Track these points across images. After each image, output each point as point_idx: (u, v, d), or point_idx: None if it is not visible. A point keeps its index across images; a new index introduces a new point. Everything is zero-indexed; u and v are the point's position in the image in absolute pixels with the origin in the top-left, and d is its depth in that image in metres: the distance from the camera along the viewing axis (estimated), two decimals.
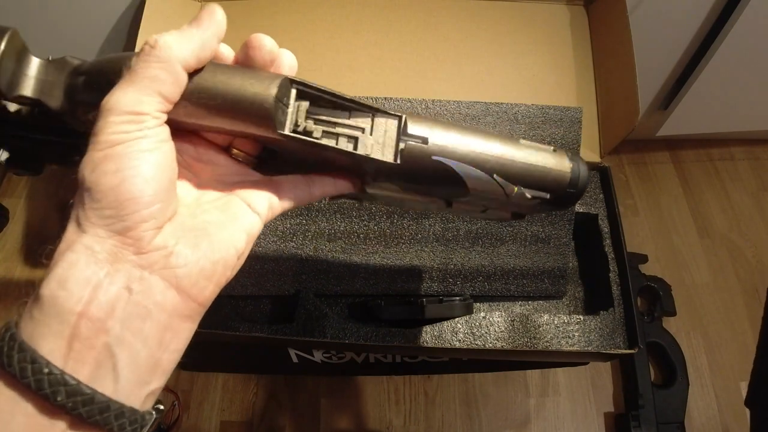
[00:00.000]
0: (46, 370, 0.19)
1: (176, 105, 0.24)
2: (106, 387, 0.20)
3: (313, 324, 0.53)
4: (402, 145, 0.26)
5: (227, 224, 0.25)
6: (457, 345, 0.54)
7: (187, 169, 0.27)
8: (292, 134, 0.25)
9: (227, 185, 0.27)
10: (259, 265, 0.55)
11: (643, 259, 0.99)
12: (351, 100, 0.26)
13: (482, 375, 0.90)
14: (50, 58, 0.27)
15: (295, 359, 0.74)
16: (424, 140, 0.27)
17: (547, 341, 0.55)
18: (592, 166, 0.64)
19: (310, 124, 0.26)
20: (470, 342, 0.54)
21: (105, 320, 0.20)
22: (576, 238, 0.62)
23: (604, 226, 0.61)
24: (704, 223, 1.05)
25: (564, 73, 0.66)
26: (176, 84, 0.23)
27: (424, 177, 0.28)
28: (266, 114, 0.24)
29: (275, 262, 0.55)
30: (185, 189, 0.26)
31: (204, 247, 0.23)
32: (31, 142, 0.31)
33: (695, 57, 0.85)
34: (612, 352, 0.54)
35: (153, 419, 0.22)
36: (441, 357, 0.76)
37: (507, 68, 0.65)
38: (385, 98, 0.57)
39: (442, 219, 0.57)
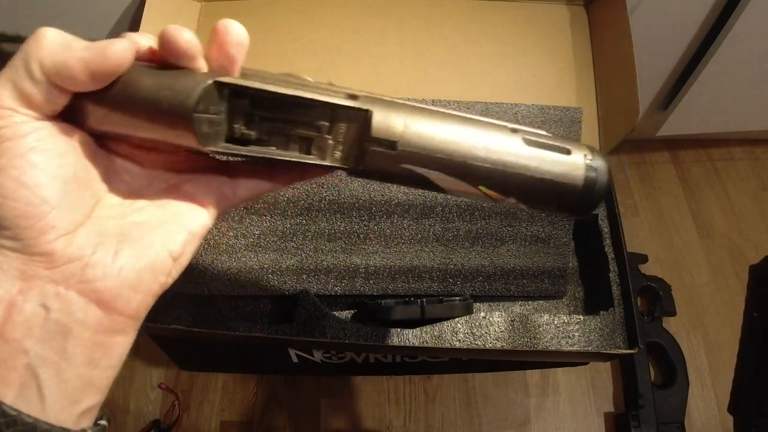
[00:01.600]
0: None
1: (86, 112, 0.21)
2: (33, 408, 0.19)
3: (313, 324, 0.53)
4: (364, 149, 0.22)
5: (163, 224, 0.23)
6: (457, 345, 0.54)
7: (129, 161, 0.24)
8: (222, 150, 0.21)
9: (175, 173, 0.25)
10: (259, 265, 0.55)
11: (643, 259, 0.99)
12: (301, 98, 0.22)
13: (482, 375, 0.90)
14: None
15: (295, 359, 0.74)
16: (392, 145, 0.22)
17: (547, 341, 0.55)
18: None
19: (248, 132, 0.22)
20: (470, 342, 0.54)
21: (22, 340, 0.19)
22: (576, 238, 0.62)
23: (604, 226, 0.61)
24: (704, 223, 1.05)
25: (564, 73, 0.66)
26: (34, 84, 0.20)
27: (396, 179, 0.23)
28: (187, 130, 0.20)
29: (275, 262, 0.55)
30: (121, 187, 0.24)
31: (126, 254, 0.21)
32: None
33: (695, 57, 0.85)
34: (612, 352, 0.54)
35: None
36: (441, 357, 0.76)
37: (507, 68, 0.65)
38: None
39: (442, 219, 0.57)
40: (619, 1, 0.61)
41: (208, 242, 0.54)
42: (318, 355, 0.72)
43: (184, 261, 0.23)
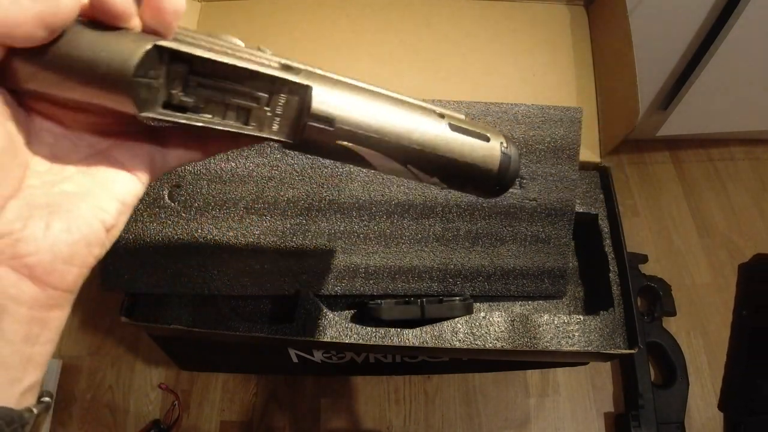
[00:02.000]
0: None
1: (14, 69, 0.20)
2: None
3: (313, 324, 0.53)
4: (302, 125, 0.22)
5: (92, 193, 0.22)
6: (457, 345, 0.54)
7: (51, 121, 0.23)
8: (158, 116, 0.21)
9: (102, 137, 0.23)
10: (259, 265, 0.55)
11: (643, 259, 0.99)
12: (243, 68, 0.21)
13: (482, 375, 0.90)
14: None
15: (295, 359, 0.74)
16: (330, 121, 0.23)
17: (547, 341, 0.55)
18: (592, 166, 0.64)
19: (185, 98, 0.21)
20: (470, 342, 0.54)
21: None
22: (576, 238, 0.62)
23: (604, 226, 0.61)
24: (704, 223, 1.05)
25: (564, 73, 0.66)
26: None
27: (330, 154, 0.24)
28: (125, 94, 0.19)
29: (275, 262, 0.55)
30: (43, 151, 0.22)
31: (57, 227, 0.20)
32: None
33: (695, 57, 0.85)
34: (612, 352, 0.54)
35: (34, 416, 0.20)
36: (441, 357, 0.76)
37: (507, 68, 0.65)
38: None
39: (442, 219, 0.57)
40: (619, 1, 0.61)
41: (209, 242, 0.54)
42: (318, 355, 0.72)
43: (116, 231, 0.23)
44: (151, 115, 0.21)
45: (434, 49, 0.66)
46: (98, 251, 0.22)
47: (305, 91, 0.22)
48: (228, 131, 0.22)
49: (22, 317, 0.19)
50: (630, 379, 0.89)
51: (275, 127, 0.22)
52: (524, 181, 0.58)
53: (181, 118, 0.21)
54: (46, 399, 0.21)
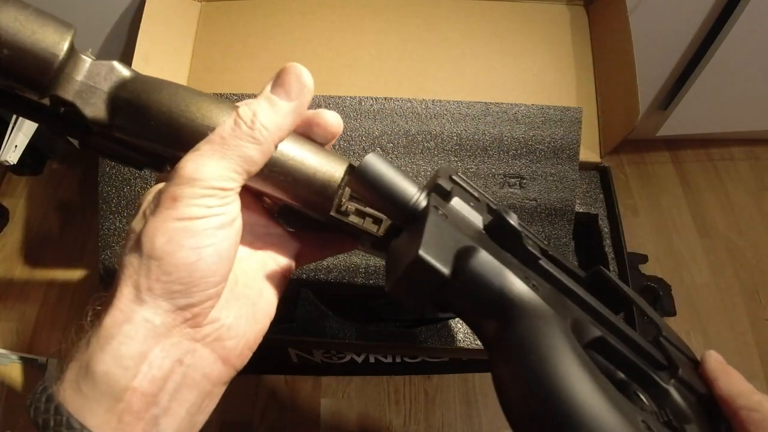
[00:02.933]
0: None
1: None
2: None
3: (313, 324, 0.53)
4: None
5: (264, 288, 0.25)
6: (457, 345, 0.54)
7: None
8: (337, 216, 0.26)
9: (256, 237, 0.27)
10: None
11: (643, 259, 0.99)
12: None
13: (482, 375, 0.90)
14: (94, 58, 0.24)
15: (295, 359, 0.74)
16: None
17: None
18: (592, 166, 0.64)
19: (350, 206, 0.26)
20: (470, 342, 0.54)
21: (156, 394, 0.20)
22: (576, 238, 0.62)
23: (604, 226, 0.61)
24: (704, 223, 1.05)
25: (564, 73, 0.66)
26: (265, 162, 0.23)
27: None
28: (329, 200, 0.25)
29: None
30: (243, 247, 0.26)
31: (249, 318, 0.24)
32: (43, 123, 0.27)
33: (695, 57, 0.85)
34: None
35: None
36: (441, 357, 0.76)
37: (507, 68, 0.65)
38: (385, 98, 0.57)
39: None
40: (619, 1, 0.61)
41: None
42: (318, 355, 0.72)
43: (271, 319, 0.26)
44: (333, 215, 0.26)
45: (434, 49, 0.66)
46: (261, 338, 0.25)
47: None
48: (370, 233, 0.27)
49: (204, 391, 0.22)
50: None
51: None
52: (524, 181, 0.58)
53: (346, 219, 0.26)
54: None
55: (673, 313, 0.95)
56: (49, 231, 1.01)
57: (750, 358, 0.92)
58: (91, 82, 0.23)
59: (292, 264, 0.28)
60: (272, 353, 0.75)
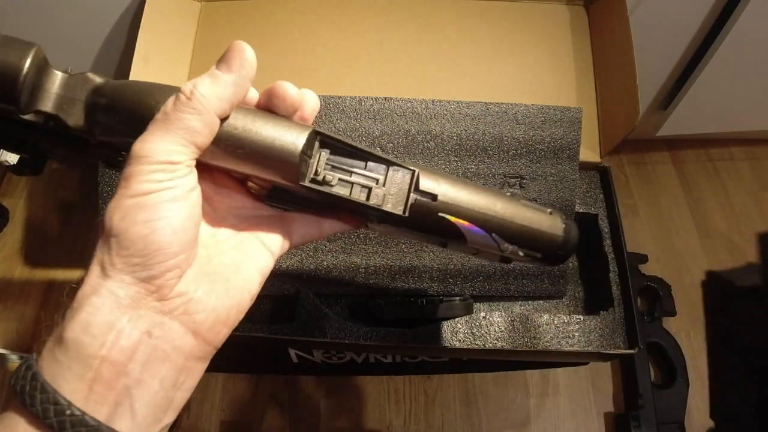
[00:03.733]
0: (68, 412, 0.20)
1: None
2: (123, 426, 0.21)
3: (313, 324, 0.53)
4: (412, 200, 0.27)
5: (243, 266, 0.26)
6: (457, 345, 0.54)
7: (206, 203, 0.27)
8: (311, 185, 0.26)
9: (241, 220, 0.28)
10: None
11: (643, 259, 0.99)
12: (368, 152, 0.27)
13: (482, 375, 0.90)
14: (70, 71, 0.26)
15: (295, 359, 0.74)
16: (434, 197, 0.28)
17: (547, 341, 0.55)
18: (592, 166, 0.64)
19: (329, 174, 0.26)
20: (470, 342, 0.54)
21: (126, 364, 0.21)
22: None
23: (604, 226, 0.61)
24: (704, 223, 1.05)
25: (564, 73, 0.66)
26: (211, 134, 0.23)
27: (428, 227, 0.29)
28: (292, 167, 0.25)
29: (275, 262, 0.55)
30: (204, 226, 0.26)
31: (221, 293, 0.24)
32: (41, 143, 0.31)
33: (695, 57, 0.85)
34: (612, 352, 0.54)
35: None
36: (441, 357, 0.76)
37: (507, 68, 0.65)
38: (385, 98, 0.57)
39: None
40: (619, 1, 0.61)
41: None
42: (318, 355, 0.72)
43: (254, 298, 0.27)
44: (305, 184, 0.25)
45: (434, 49, 0.66)
46: (241, 316, 0.26)
47: (413, 173, 0.28)
48: (357, 203, 0.27)
49: (178, 365, 0.23)
50: (630, 379, 0.89)
51: (389, 203, 0.27)
52: (524, 181, 0.58)
53: (324, 188, 0.26)
54: None
55: (673, 313, 0.95)
56: (49, 231, 1.01)
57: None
58: (69, 94, 0.26)
59: (284, 243, 0.28)
60: (272, 353, 0.75)
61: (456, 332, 0.54)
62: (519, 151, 0.57)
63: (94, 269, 0.22)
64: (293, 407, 0.87)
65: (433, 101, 0.57)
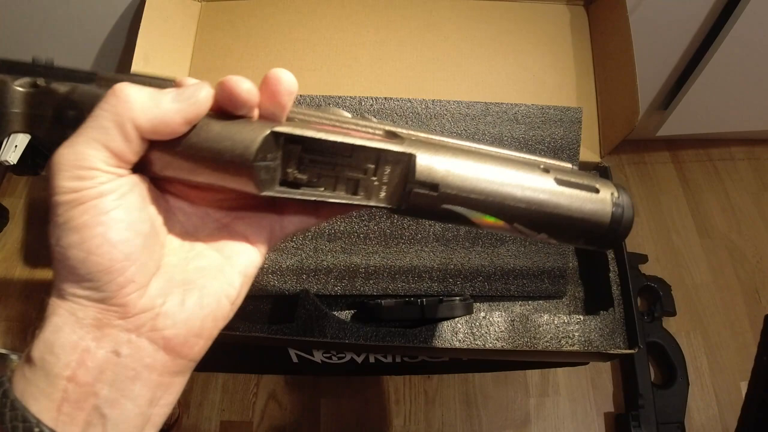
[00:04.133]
0: (36, 430, 0.19)
1: (152, 159, 0.22)
2: None
3: (313, 324, 0.53)
4: (408, 189, 0.23)
5: (221, 270, 0.24)
6: (457, 345, 0.54)
7: (182, 199, 0.25)
8: (277, 194, 0.23)
9: (226, 212, 0.26)
10: None
11: (643, 259, 0.99)
12: (350, 144, 0.23)
13: (482, 375, 0.90)
14: (37, 83, 0.24)
15: (295, 359, 0.74)
16: (434, 187, 0.23)
17: (547, 341, 0.55)
18: (592, 166, 0.64)
19: (299, 175, 0.23)
20: (470, 342, 0.54)
21: (93, 384, 0.20)
22: None
23: None
24: (704, 223, 1.05)
25: (564, 73, 0.66)
26: (127, 143, 0.21)
27: (435, 217, 0.25)
28: (247, 178, 0.21)
29: (275, 262, 0.55)
30: (177, 228, 0.24)
31: (192, 303, 0.22)
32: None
33: (695, 57, 0.85)
34: (612, 352, 0.54)
35: None
36: (441, 357, 0.76)
37: (507, 68, 0.65)
38: (386, 98, 0.57)
39: None
40: (619, 1, 0.61)
41: None
42: (318, 355, 0.72)
43: (239, 302, 0.25)
44: (270, 194, 0.22)
45: (434, 49, 0.65)
46: (222, 323, 0.24)
47: (409, 159, 0.23)
48: (339, 203, 0.23)
49: (151, 382, 0.22)
50: (630, 379, 0.89)
51: (382, 195, 0.24)
52: None
53: (296, 194, 0.23)
54: None
55: (673, 313, 0.95)
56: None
57: (750, 359, 0.91)
58: (36, 111, 0.24)
59: (275, 236, 0.26)
60: (272, 353, 0.75)
61: (456, 332, 0.54)
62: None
63: (54, 290, 0.21)
64: (293, 407, 0.87)
65: (433, 101, 0.57)
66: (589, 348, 0.55)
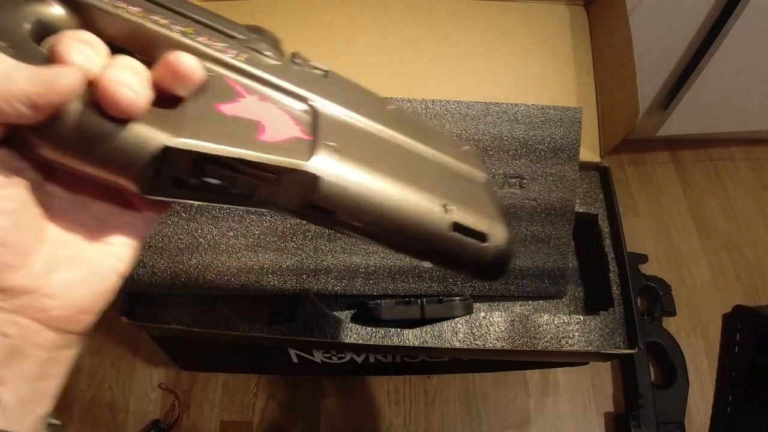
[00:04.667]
0: None
1: (22, 139, 0.20)
2: None
3: (313, 324, 0.53)
4: (306, 203, 0.23)
5: (108, 242, 0.23)
6: (457, 345, 0.54)
7: (55, 183, 0.23)
8: (164, 198, 0.21)
9: (82, 207, 0.24)
10: (258, 265, 0.55)
11: (643, 259, 0.99)
12: (248, 161, 0.21)
13: (482, 375, 0.90)
14: None
15: (295, 359, 0.74)
16: (330, 213, 0.23)
17: (547, 341, 0.55)
18: (592, 166, 0.64)
19: (194, 179, 0.21)
20: (470, 342, 0.54)
21: None
22: (576, 238, 0.62)
23: (604, 226, 0.61)
24: (704, 223, 1.05)
25: (564, 73, 0.66)
26: None
27: (330, 227, 0.25)
28: (132, 182, 0.20)
29: (275, 262, 0.55)
30: (56, 203, 0.23)
31: (77, 281, 0.22)
32: None
33: (695, 57, 0.85)
34: (612, 352, 0.54)
35: None
36: (441, 357, 0.76)
37: (507, 68, 0.65)
38: (385, 98, 0.57)
39: None
40: (619, 1, 0.61)
41: (209, 242, 0.54)
42: (318, 355, 0.72)
43: (128, 272, 0.24)
44: (157, 198, 0.21)
45: (434, 48, 0.65)
46: (111, 297, 0.23)
47: (313, 179, 0.22)
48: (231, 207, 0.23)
49: (40, 359, 0.21)
50: (630, 379, 0.89)
51: (279, 201, 0.23)
52: (524, 181, 0.58)
53: (186, 197, 0.22)
54: (55, 421, 0.24)
55: (673, 313, 0.95)
56: None
57: None
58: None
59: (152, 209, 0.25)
60: (272, 353, 0.75)
61: (456, 332, 0.54)
62: (519, 151, 0.57)
63: None
64: (293, 407, 0.87)
65: (433, 101, 0.57)
66: (589, 348, 0.55)
